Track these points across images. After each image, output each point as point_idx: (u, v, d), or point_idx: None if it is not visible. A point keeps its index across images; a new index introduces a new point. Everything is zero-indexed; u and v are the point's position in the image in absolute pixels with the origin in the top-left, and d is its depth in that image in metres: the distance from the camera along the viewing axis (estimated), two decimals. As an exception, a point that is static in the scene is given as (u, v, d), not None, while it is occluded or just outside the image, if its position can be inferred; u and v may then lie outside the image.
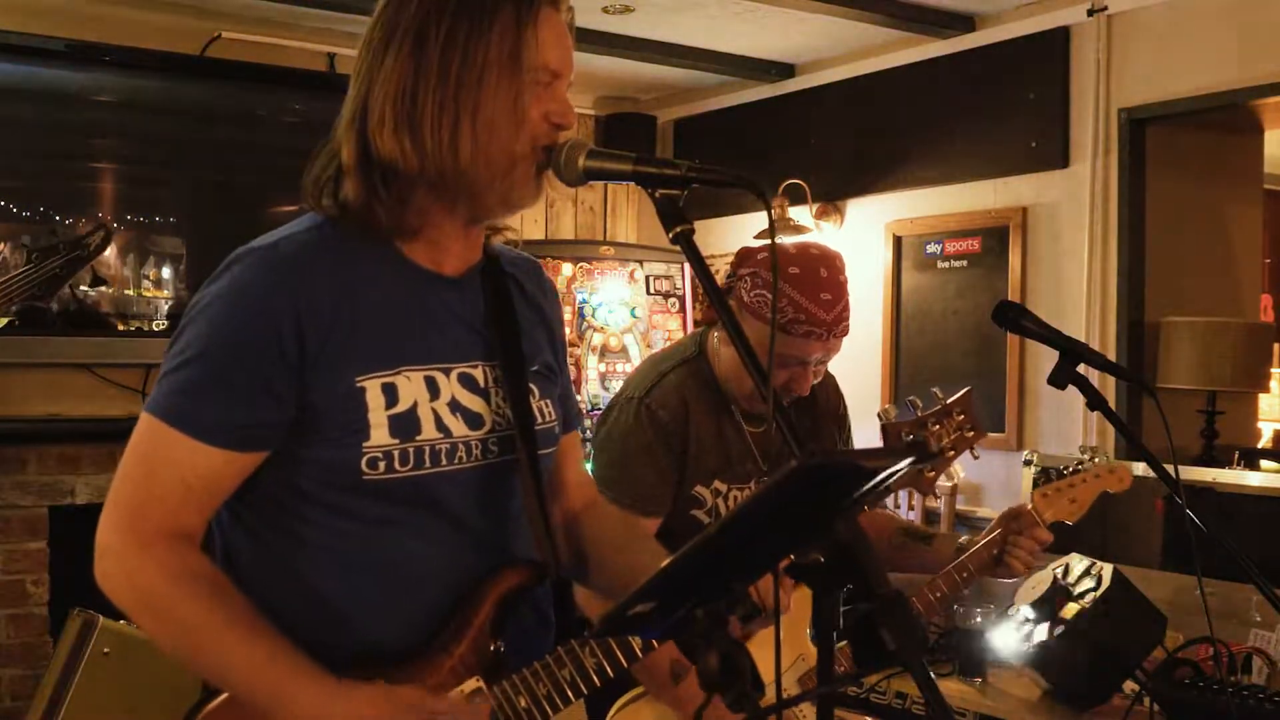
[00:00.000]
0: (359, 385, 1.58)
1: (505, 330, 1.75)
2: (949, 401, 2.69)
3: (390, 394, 1.60)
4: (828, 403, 2.70)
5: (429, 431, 1.62)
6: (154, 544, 1.54)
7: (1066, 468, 2.69)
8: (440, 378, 1.66)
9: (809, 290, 2.41)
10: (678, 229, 1.46)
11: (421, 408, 1.62)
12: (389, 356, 1.62)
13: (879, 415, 2.82)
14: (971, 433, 2.68)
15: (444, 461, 1.64)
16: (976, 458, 2.72)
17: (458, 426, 1.65)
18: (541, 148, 1.62)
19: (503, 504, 1.72)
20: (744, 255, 2.55)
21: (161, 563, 1.54)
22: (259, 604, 1.57)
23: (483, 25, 1.59)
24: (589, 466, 2.57)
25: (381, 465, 1.58)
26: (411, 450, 1.60)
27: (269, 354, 1.55)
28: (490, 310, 1.75)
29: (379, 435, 1.58)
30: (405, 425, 1.60)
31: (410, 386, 1.62)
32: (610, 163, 1.57)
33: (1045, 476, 2.70)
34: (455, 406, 1.66)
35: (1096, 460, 2.70)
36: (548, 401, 1.79)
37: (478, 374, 1.70)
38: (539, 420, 1.75)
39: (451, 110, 1.58)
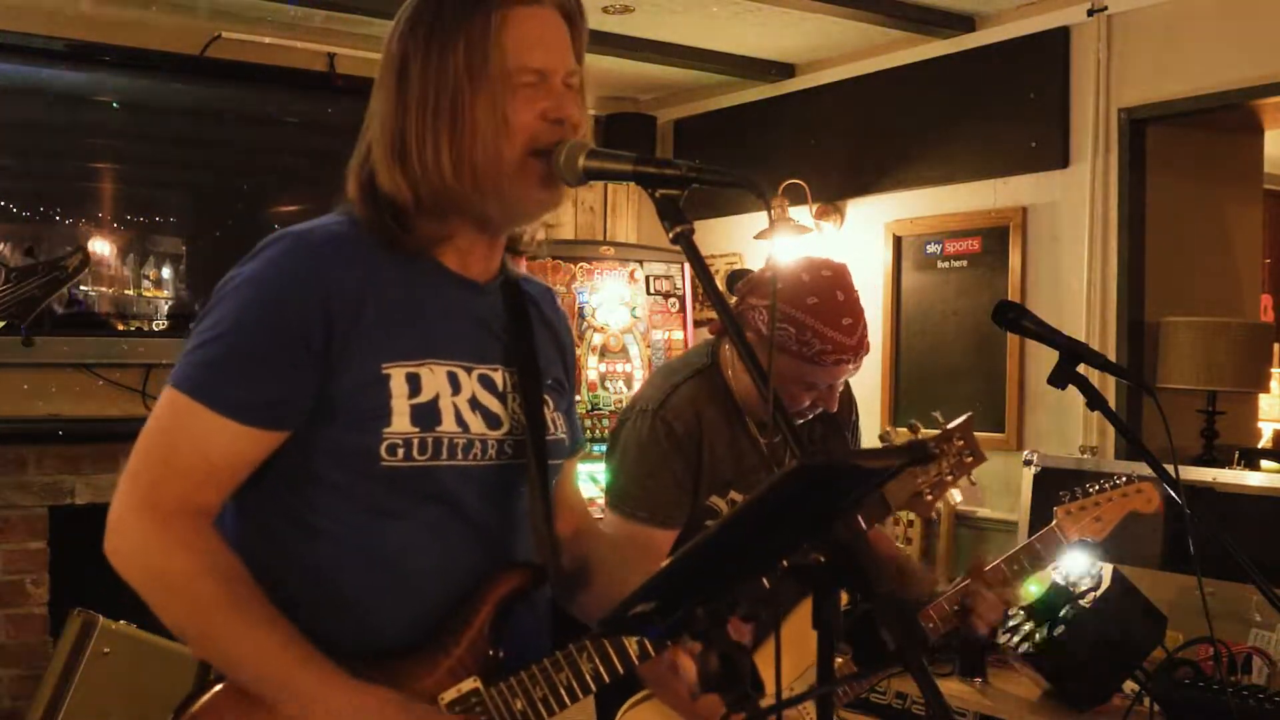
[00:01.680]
0: (384, 372, 1.60)
1: (523, 340, 1.77)
2: (949, 427, 2.69)
3: (414, 384, 1.62)
4: (843, 409, 2.71)
5: (449, 424, 1.64)
6: (172, 520, 1.54)
7: (1093, 486, 2.67)
8: (461, 374, 1.68)
9: (831, 319, 2.41)
10: (678, 229, 1.46)
11: (443, 400, 1.64)
12: (414, 348, 1.64)
13: (880, 438, 2.83)
14: (970, 459, 2.68)
15: (460, 456, 1.65)
16: (974, 483, 2.72)
17: (476, 424, 1.67)
18: (545, 147, 1.63)
19: (510, 506, 1.73)
20: (755, 284, 2.54)
21: (180, 539, 1.54)
22: (264, 591, 1.57)
23: (451, 43, 1.61)
24: (604, 478, 2.58)
25: (400, 452, 1.60)
26: (430, 440, 1.62)
27: (296, 334, 1.57)
28: (510, 319, 1.77)
29: (400, 422, 1.60)
30: (426, 415, 1.62)
31: (433, 379, 1.64)
32: (610, 163, 1.58)
33: (1071, 494, 2.68)
34: (475, 404, 1.68)
35: (1125, 479, 2.68)
36: (559, 416, 1.81)
37: (497, 377, 1.72)
38: (550, 431, 1.77)
39: (431, 132, 1.61)
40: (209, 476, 1.57)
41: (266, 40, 4.93)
